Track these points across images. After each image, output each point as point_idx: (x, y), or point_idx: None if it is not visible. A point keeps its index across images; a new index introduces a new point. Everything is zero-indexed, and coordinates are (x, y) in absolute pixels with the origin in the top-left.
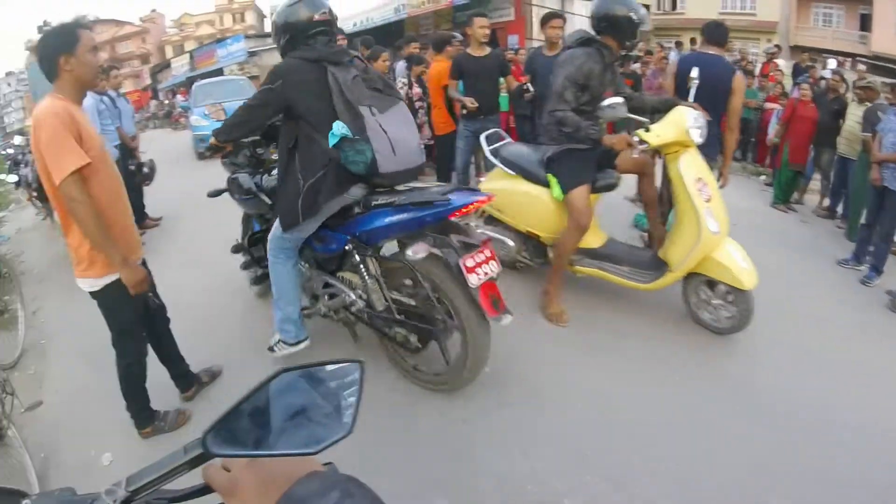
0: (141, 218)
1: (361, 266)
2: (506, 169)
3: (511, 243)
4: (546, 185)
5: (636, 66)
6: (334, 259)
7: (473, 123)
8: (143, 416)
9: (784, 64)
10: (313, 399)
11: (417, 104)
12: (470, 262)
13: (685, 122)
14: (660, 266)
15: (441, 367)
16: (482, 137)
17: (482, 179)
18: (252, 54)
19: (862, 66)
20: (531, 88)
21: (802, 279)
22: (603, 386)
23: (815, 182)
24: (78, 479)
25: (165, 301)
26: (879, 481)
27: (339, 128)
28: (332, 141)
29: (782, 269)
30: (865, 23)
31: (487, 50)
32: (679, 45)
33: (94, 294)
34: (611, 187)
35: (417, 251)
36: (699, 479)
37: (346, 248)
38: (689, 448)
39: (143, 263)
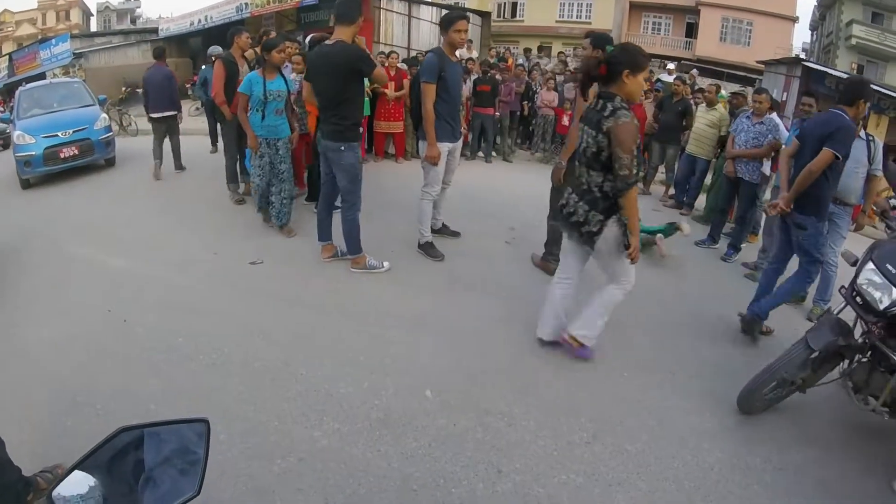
0: None
1: None
2: None
3: None
4: None
5: (494, 73)
6: None
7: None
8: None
9: None
10: (157, 459)
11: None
12: None
13: None
14: None
15: None
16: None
17: None
18: (78, 56)
19: (695, 71)
20: None
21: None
22: None
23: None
24: None
25: None
26: None
27: None
28: None
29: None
30: (691, 30)
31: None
32: (528, 51)
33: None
34: None
35: None
36: None
37: None
38: None
39: None
